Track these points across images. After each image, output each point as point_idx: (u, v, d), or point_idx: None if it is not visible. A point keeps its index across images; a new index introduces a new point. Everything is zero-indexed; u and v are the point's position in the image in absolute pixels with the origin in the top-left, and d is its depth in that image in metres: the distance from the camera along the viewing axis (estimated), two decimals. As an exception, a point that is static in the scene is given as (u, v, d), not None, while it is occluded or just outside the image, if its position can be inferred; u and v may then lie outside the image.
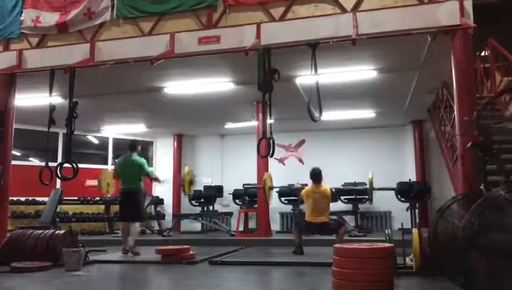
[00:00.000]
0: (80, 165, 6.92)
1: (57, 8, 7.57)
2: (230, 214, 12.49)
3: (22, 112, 8.38)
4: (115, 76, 7.88)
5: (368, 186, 9.93)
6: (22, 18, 7.72)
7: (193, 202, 12.65)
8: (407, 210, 10.75)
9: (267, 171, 9.69)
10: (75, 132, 6.80)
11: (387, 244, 4.50)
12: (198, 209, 12.54)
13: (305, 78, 7.67)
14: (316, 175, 7.66)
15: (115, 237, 10.18)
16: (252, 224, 11.19)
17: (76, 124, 6.79)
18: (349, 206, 11.38)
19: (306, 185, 8.29)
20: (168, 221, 12.74)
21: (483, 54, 9.36)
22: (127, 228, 7.57)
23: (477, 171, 4.83)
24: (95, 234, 11.56)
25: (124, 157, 8.00)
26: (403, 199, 10.92)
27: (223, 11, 6.81)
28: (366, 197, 11.45)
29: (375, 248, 4.25)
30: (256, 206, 10.61)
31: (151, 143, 14.47)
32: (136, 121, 11.84)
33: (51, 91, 6.96)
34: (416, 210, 10.86)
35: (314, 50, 6.13)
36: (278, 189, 10.70)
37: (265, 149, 6.29)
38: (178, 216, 12.47)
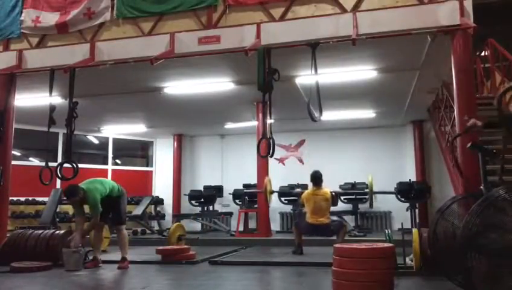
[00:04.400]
0: (80, 165, 6.92)
1: (57, 8, 7.58)
2: (230, 214, 12.49)
3: (22, 112, 8.36)
4: (115, 76, 7.87)
5: (367, 189, 9.77)
6: (22, 18, 7.72)
7: (193, 202, 12.66)
8: (407, 210, 10.74)
9: (267, 172, 9.65)
10: (75, 132, 6.80)
11: (387, 244, 4.51)
12: (198, 209, 12.55)
13: (305, 78, 7.67)
14: (317, 178, 7.78)
15: (115, 237, 10.15)
16: (252, 224, 11.19)
17: (76, 124, 6.79)
18: (349, 206, 11.40)
19: (306, 186, 8.28)
20: (168, 221, 12.75)
21: (483, 54, 9.35)
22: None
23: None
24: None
25: None
26: (403, 199, 10.91)
27: (223, 11, 6.81)
28: (366, 197, 11.47)
29: (375, 248, 4.25)
30: (256, 206, 10.61)
31: (151, 143, 14.48)
32: (136, 121, 11.84)
33: (51, 91, 6.97)
34: (416, 210, 10.84)
35: (314, 50, 6.13)
36: (277, 191, 10.58)
37: (265, 149, 6.29)
38: (178, 216, 12.47)
